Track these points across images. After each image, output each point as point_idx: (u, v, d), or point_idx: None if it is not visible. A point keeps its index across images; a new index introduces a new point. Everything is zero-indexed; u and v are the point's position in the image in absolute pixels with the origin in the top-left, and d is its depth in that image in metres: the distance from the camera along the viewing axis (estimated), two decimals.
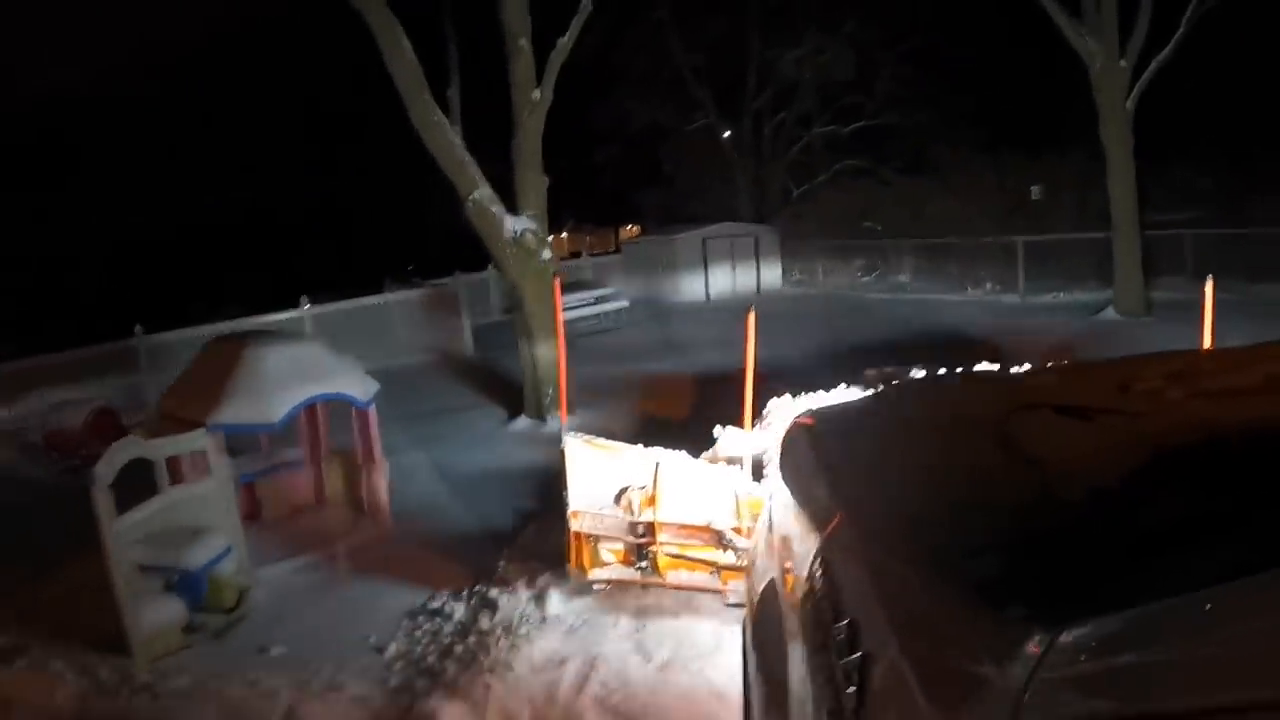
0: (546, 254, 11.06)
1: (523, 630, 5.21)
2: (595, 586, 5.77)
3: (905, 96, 25.02)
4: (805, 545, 1.91)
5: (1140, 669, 1.04)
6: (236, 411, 6.95)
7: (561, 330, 7.74)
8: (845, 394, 6.88)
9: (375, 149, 28.89)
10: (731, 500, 5.61)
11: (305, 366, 7.39)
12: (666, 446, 6.15)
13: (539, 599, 5.64)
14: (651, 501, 5.66)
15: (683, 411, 9.65)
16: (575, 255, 28.98)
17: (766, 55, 26.91)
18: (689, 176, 29.51)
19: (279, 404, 7.00)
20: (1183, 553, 1.20)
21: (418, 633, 5.61)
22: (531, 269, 10.85)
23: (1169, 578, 1.13)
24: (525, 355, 11.07)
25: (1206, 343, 6.40)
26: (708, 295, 22.46)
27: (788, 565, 2.05)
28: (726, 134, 29.55)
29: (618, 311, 18.70)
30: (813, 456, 2.15)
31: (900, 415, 2.31)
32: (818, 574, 1.78)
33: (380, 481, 8.04)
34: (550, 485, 7.79)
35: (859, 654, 1.46)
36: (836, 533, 1.80)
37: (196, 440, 6.87)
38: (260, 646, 5.78)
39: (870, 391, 2.32)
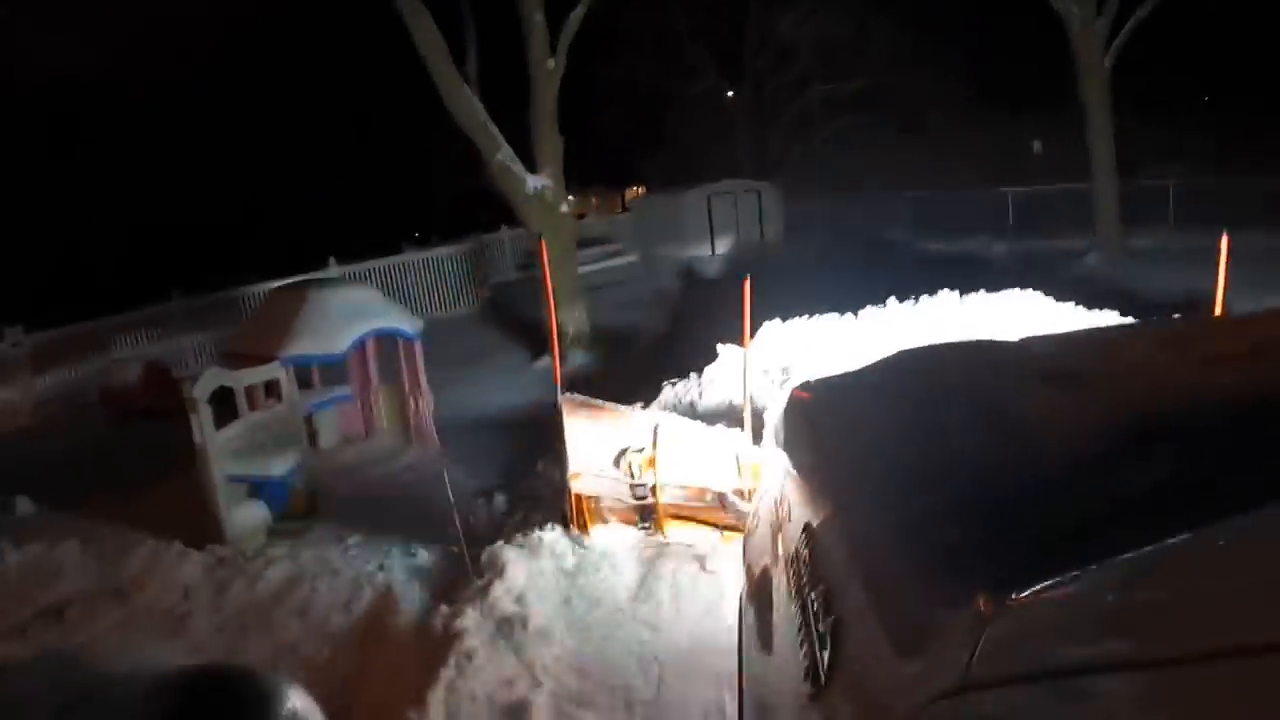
0: (564, 208, 12.17)
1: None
2: (599, 546, 5.95)
3: (901, 56, 25.79)
4: (798, 514, 1.97)
5: (1088, 625, 1.09)
6: (305, 345, 8.12)
7: (551, 293, 7.51)
8: (828, 320, 7.94)
9: (379, 122, 30.23)
10: (732, 462, 5.71)
11: (362, 306, 8.55)
12: (671, 366, 7.15)
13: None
14: (652, 463, 5.77)
15: (687, 340, 10.73)
16: (581, 216, 29.83)
17: (765, 18, 27.72)
18: (692, 137, 30.29)
19: (342, 337, 8.17)
20: (1150, 515, 1.21)
21: (472, 518, 6.78)
22: (551, 222, 11.96)
23: (1130, 539, 1.16)
24: (544, 298, 12.17)
25: (1220, 294, 6.68)
26: (713, 249, 23.45)
27: (781, 535, 2.13)
28: (729, 94, 30.47)
29: (626, 265, 19.77)
30: (805, 426, 2.24)
31: (893, 385, 2.36)
32: (802, 541, 1.84)
33: (426, 406, 9.21)
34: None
35: (833, 618, 1.53)
36: (818, 500, 1.88)
37: (272, 370, 8.05)
38: (337, 537, 6.93)
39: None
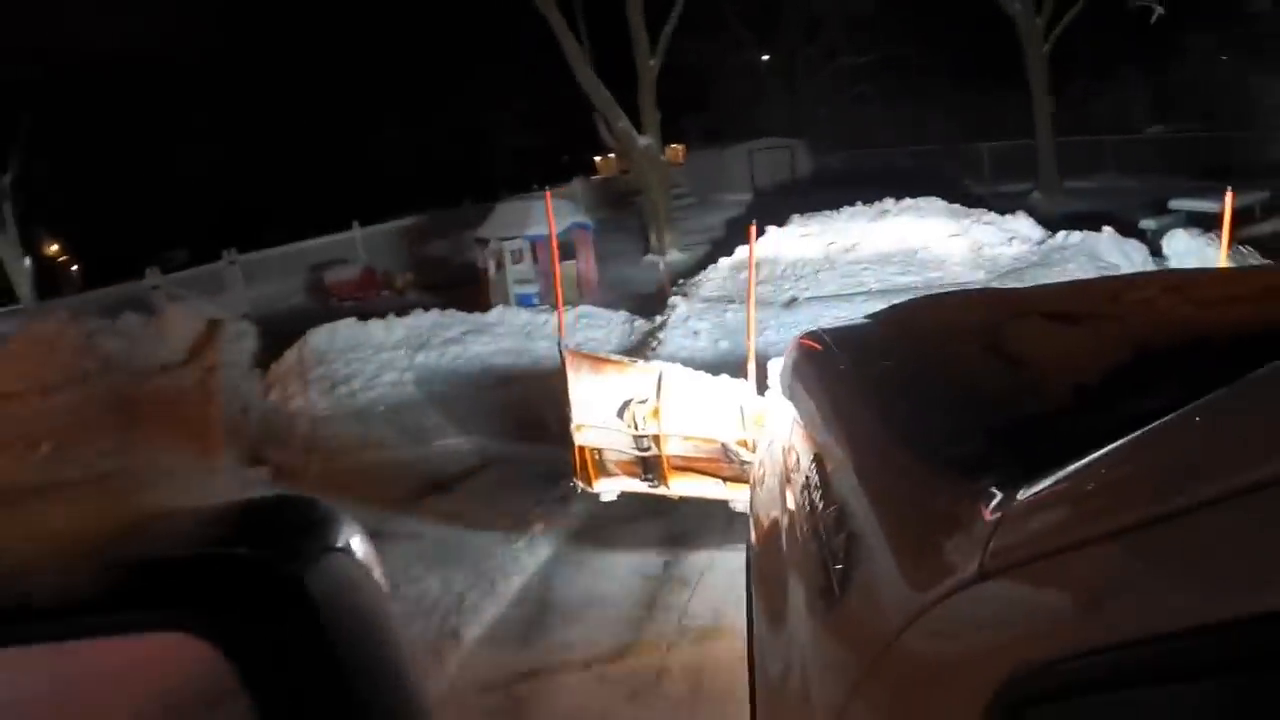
0: (663, 158, 19.47)
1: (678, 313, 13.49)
2: (603, 497, 6.61)
3: (912, 31, 32.62)
4: (806, 455, 2.09)
5: (1090, 508, 1.08)
6: (538, 228, 15.45)
7: (556, 247, 8.65)
8: (821, 215, 15.09)
9: (444, 90, 37.70)
10: (736, 412, 6.00)
11: (567, 206, 15.96)
12: (720, 248, 14.23)
13: (685, 295, 13.99)
14: (656, 414, 6.07)
15: (732, 238, 17.86)
16: (625, 172, 36.73)
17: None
18: (733, 100, 37.27)
19: (560, 223, 15.49)
20: None
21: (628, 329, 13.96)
22: (655, 168, 19.29)
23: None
24: (649, 217, 19.53)
25: (1224, 243, 7.72)
26: (755, 192, 30.55)
27: (790, 484, 2.23)
28: (765, 57, 37.55)
29: (688, 205, 27.01)
30: (813, 373, 2.34)
31: (899, 330, 2.47)
32: (812, 470, 1.96)
33: (594, 273, 16.56)
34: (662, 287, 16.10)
35: (845, 534, 1.61)
36: (828, 433, 2.00)
37: (518, 243, 15.42)
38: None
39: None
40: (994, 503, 1.20)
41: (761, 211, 22.81)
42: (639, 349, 11.33)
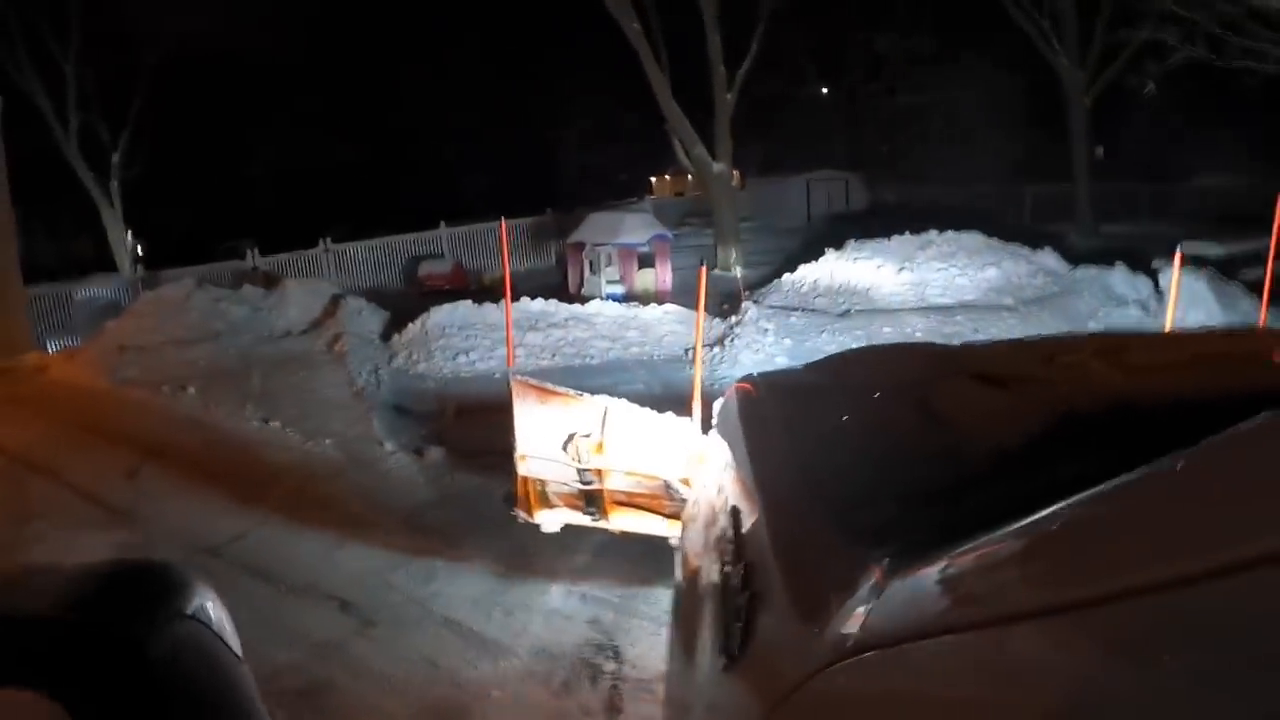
0: (734, 182, 22.18)
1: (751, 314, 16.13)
2: (544, 529, 6.76)
3: (965, 76, 35.20)
4: (730, 501, 2.15)
5: (979, 590, 1.13)
6: (628, 236, 18.22)
7: (509, 277, 8.39)
8: (865, 243, 17.69)
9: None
10: (679, 450, 6.18)
11: (649, 220, 18.76)
12: (781, 266, 16.84)
13: (756, 302, 16.62)
14: (600, 449, 6.27)
15: (792, 259, 20.44)
16: (679, 194, 39.70)
17: (864, 38, 37.40)
18: (792, 132, 40.02)
19: (646, 234, 18.30)
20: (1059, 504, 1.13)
21: (707, 325, 16.66)
22: (727, 192, 22.03)
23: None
24: (718, 235, 22.20)
25: (1172, 296, 8.27)
26: (809, 219, 33.24)
27: (714, 523, 2.27)
28: (825, 90, 40.32)
29: (748, 228, 29.59)
30: (746, 418, 2.43)
31: (833, 381, 2.61)
32: (728, 523, 2.02)
33: (667, 273, 19.27)
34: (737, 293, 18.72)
35: (749, 593, 1.68)
36: (748, 486, 2.05)
37: (609, 249, 18.19)
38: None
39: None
40: (877, 576, 1.22)
41: (816, 238, 25.64)
42: (721, 340, 13.92)
